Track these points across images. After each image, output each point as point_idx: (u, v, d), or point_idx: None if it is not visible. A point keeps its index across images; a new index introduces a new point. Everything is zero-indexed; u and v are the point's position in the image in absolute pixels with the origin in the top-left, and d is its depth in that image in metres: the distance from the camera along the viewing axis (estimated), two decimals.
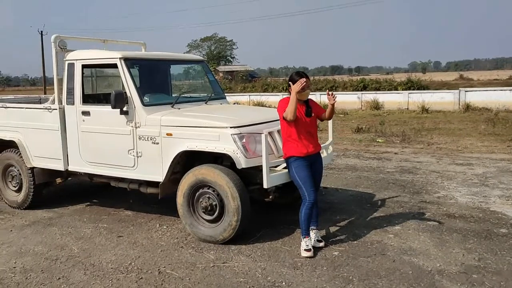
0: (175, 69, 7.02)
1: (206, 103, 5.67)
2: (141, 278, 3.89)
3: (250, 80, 51.71)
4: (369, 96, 23.15)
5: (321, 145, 5.26)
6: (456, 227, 4.86)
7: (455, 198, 5.95)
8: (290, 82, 4.28)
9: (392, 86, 27.83)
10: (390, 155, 9.28)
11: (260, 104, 22.14)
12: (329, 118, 4.53)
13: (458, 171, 7.56)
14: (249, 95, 27.19)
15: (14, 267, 4.19)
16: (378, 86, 28.68)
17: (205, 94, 5.93)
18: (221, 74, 56.72)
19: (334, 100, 4.28)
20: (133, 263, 4.19)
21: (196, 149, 4.58)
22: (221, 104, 5.86)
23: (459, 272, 3.78)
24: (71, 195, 6.69)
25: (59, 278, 3.94)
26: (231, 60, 69.14)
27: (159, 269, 4.04)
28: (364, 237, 4.64)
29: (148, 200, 6.06)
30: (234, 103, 21.70)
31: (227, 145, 4.42)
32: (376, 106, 21.87)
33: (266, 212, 5.55)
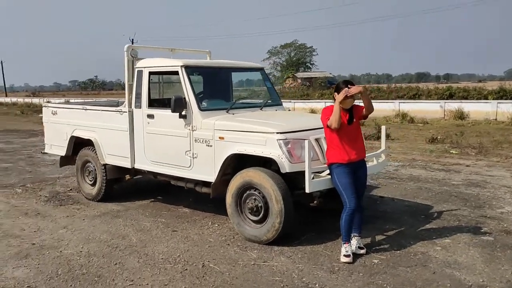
0: (239, 76, 7.37)
1: (261, 109, 5.91)
2: (186, 269, 4.20)
3: (329, 87, 51.30)
4: (452, 105, 21.98)
5: (372, 153, 5.29)
6: None
7: None
8: (335, 92, 4.35)
9: (482, 95, 26.19)
10: (460, 167, 8.85)
11: None
12: (370, 110, 4.33)
13: None
14: (325, 102, 26.98)
15: (81, 251, 4.71)
16: (465, 95, 27.11)
17: (262, 101, 6.17)
18: (299, 81, 56.91)
19: (354, 92, 4.17)
20: (181, 256, 4.52)
21: (245, 152, 4.83)
22: (276, 110, 6.06)
23: None
24: (139, 191, 7.27)
25: (115, 264, 4.37)
26: (311, 66, 69.01)
27: (203, 263, 4.33)
28: (409, 247, 4.57)
29: (206, 199, 6.38)
30: (308, 111, 21.61)
31: (273, 150, 4.61)
32: (460, 115, 20.70)
33: (313, 217, 5.64)
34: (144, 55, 6.26)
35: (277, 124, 4.87)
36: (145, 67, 5.80)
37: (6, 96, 64.38)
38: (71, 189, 7.45)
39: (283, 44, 69.40)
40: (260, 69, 6.51)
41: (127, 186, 7.46)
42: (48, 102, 7.94)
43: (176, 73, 5.49)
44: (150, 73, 5.81)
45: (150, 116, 5.73)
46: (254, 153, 4.75)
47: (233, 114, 5.43)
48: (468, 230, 5.06)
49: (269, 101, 6.18)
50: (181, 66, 5.41)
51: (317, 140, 4.81)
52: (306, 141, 4.36)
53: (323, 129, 4.83)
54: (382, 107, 23.98)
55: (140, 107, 5.83)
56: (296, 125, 4.94)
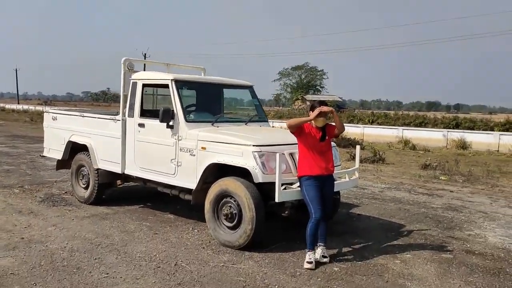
0: (233, 93, 7.76)
1: (246, 124, 6.28)
2: (159, 267, 4.51)
3: (338, 111, 51.70)
4: (455, 134, 22.23)
5: (345, 170, 5.63)
6: (469, 262, 4.88)
7: (486, 238, 5.85)
8: (311, 110, 4.75)
9: (488, 127, 26.39)
10: (444, 192, 9.10)
11: None
12: (341, 129, 4.84)
13: (508, 213, 7.29)
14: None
15: (65, 247, 5.05)
16: (472, 125, 27.32)
17: (248, 116, 6.55)
18: (308, 103, 57.43)
19: (326, 110, 4.62)
20: (157, 255, 4.83)
21: (223, 162, 5.18)
22: (260, 126, 6.42)
23: None
24: (129, 197, 7.60)
25: (95, 259, 4.69)
26: (320, 89, 69.68)
27: (176, 262, 4.64)
28: (371, 259, 4.85)
29: (192, 207, 6.71)
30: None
31: (248, 161, 4.96)
32: (462, 145, 20.87)
33: (287, 228, 5.94)
34: (141, 68, 6.70)
35: (255, 137, 5.22)
36: (139, 79, 6.23)
37: (18, 103, 65.66)
38: (66, 192, 7.82)
39: (294, 66, 70.36)
40: (249, 87, 6.90)
41: (119, 192, 7.82)
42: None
43: (167, 86, 5.89)
44: (144, 85, 6.22)
45: (141, 125, 6.12)
46: (231, 163, 5.09)
47: (218, 127, 5.79)
48: (431, 248, 5.33)
49: (255, 117, 6.55)
50: (171, 80, 5.82)
51: (291, 154, 5.14)
52: (278, 154, 4.71)
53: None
54: (386, 133, 24.35)
55: (133, 116, 6.22)
56: (273, 140, 5.29)
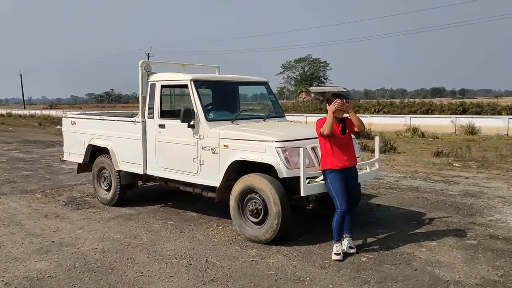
0: (248, 90, 7.86)
1: (264, 120, 6.36)
2: (191, 264, 4.62)
3: None
4: (464, 120, 22.18)
5: (365, 162, 5.69)
6: (494, 247, 4.94)
7: (508, 222, 5.91)
8: (327, 103, 4.82)
9: (495, 111, 26.31)
10: (460, 179, 9.15)
11: None
12: (360, 127, 4.81)
13: None
14: None
15: (96, 248, 5.17)
16: (479, 110, 27.27)
17: (266, 113, 6.63)
18: (312, 95, 57.46)
19: (344, 107, 4.64)
20: (187, 252, 4.94)
21: (247, 159, 5.26)
22: (278, 121, 6.50)
23: (475, 284, 3.97)
24: (150, 198, 7.73)
25: (127, 258, 4.81)
26: (324, 81, 69.55)
27: (206, 259, 4.74)
28: (397, 248, 4.94)
29: (212, 205, 6.81)
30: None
31: (272, 157, 5.04)
32: (471, 131, 20.85)
33: (311, 222, 6.03)
34: (157, 69, 6.79)
35: (276, 133, 5.31)
36: (157, 81, 6.31)
37: (25, 108, 66.15)
38: (87, 195, 7.95)
39: (297, 59, 70.21)
40: (265, 83, 6.97)
41: (140, 193, 7.94)
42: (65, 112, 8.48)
43: (186, 86, 5.97)
44: (162, 86, 6.31)
45: (162, 126, 6.21)
46: (255, 160, 5.18)
47: (238, 124, 5.88)
48: (455, 234, 5.40)
49: (272, 113, 6.63)
50: (190, 80, 5.91)
51: (313, 148, 5.22)
52: (301, 149, 4.79)
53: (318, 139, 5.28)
54: (394, 122, 24.34)
55: (153, 118, 6.32)
56: (294, 135, 5.36)
